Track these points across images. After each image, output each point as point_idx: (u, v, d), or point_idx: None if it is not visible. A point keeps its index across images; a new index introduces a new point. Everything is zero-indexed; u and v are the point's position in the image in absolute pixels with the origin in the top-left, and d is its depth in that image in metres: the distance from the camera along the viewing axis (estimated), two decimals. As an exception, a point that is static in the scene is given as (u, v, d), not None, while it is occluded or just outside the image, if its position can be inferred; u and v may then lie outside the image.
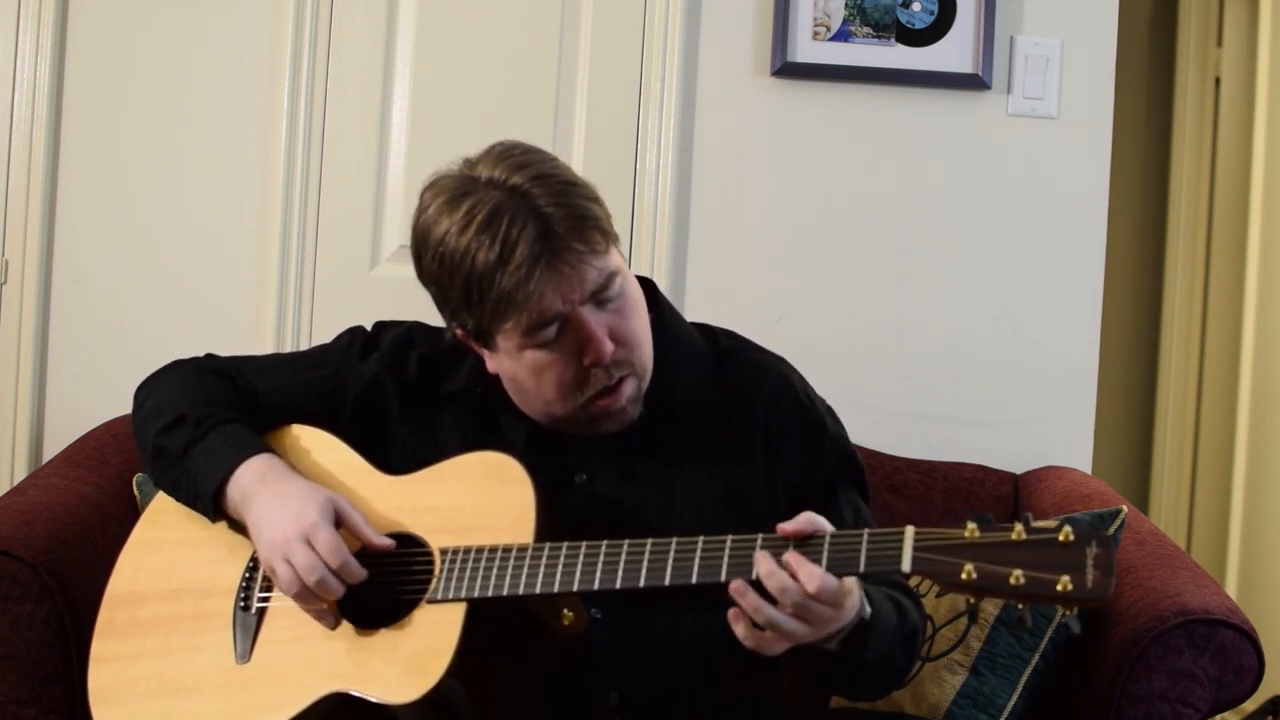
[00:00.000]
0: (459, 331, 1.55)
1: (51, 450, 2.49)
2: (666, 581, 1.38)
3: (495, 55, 2.57)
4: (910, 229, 2.55)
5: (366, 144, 2.57)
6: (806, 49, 2.52)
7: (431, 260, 1.49)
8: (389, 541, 1.52)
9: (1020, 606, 1.27)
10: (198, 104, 2.55)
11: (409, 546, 1.53)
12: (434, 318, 1.59)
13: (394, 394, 1.66)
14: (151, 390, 1.70)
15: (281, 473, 1.56)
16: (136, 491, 2.14)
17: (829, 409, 1.66)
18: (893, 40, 2.52)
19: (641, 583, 1.39)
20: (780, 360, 1.68)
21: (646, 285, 1.62)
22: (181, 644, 1.58)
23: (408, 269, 1.56)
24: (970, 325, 2.55)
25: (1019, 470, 2.47)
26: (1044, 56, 2.53)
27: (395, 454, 1.63)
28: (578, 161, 2.54)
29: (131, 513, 2.03)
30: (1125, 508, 2.02)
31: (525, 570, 1.43)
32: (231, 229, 2.56)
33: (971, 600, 1.29)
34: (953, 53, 2.51)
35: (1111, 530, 1.96)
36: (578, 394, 1.51)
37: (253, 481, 1.56)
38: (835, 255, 2.56)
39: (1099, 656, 1.78)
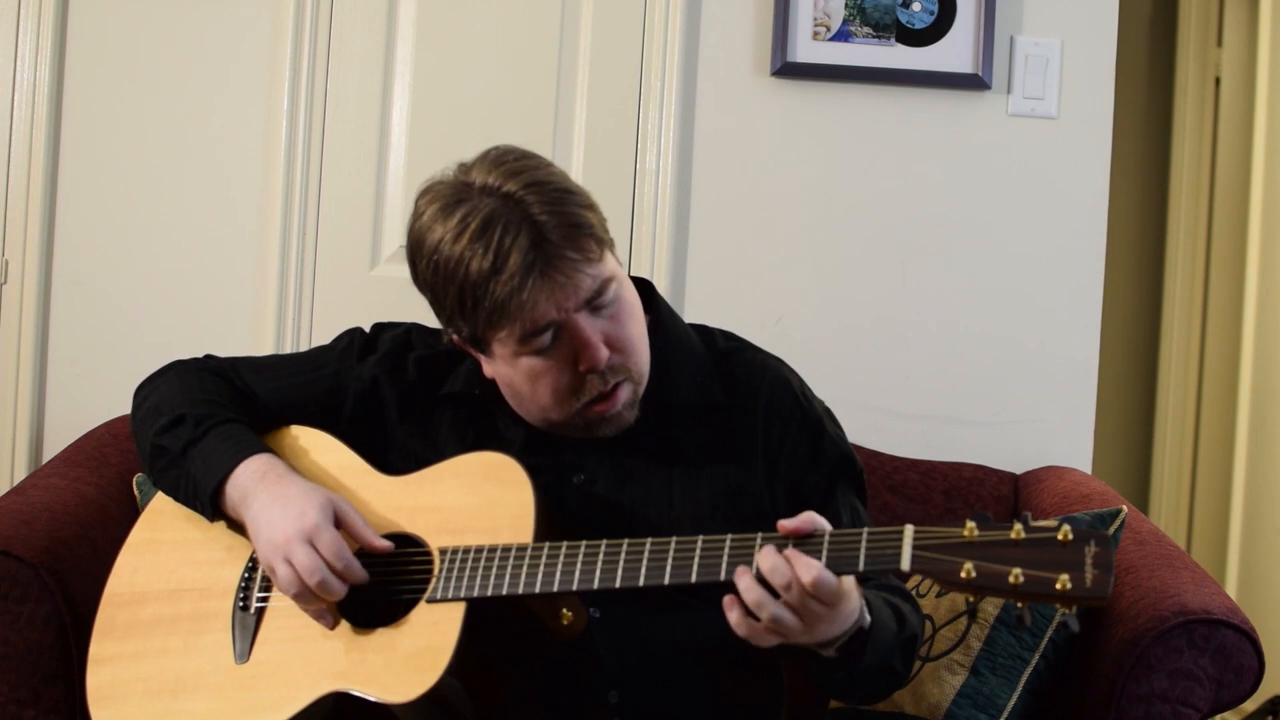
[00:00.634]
0: (455, 338, 1.55)
1: (51, 450, 2.49)
2: (666, 581, 1.38)
3: (495, 55, 2.57)
4: (910, 229, 2.55)
5: (366, 144, 2.57)
6: (806, 49, 2.52)
7: (426, 268, 1.49)
8: (387, 543, 1.52)
9: (1019, 605, 1.27)
10: (198, 104, 2.55)
11: (408, 546, 1.53)
12: (433, 319, 1.59)
13: (393, 396, 1.66)
14: (150, 390, 1.71)
15: (281, 473, 1.56)
16: (136, 491, 2.14)
17: (827, 410, 1.66)
18: (893, 40, 2.52)
19: (641, 582, 1.39)
20: (779, 361, 1.68)
21: (644, 287, 1.62)
22: (181, 644, 1.58)
23: (407, 269, 1.56)
24: (970, 325, 2.55)
25: (1019, 470, 2.47)
26: (1044, 56, 2.53)
27: (394, 455, 1.64)
28: (578, 162, 2.54)
29: (131, 513, 2.03)
30: (1125, 508, 2.02)
31: (524, 570, 1.43)
32: (231, 229, 2.56)
33: (971, 599, 1.29)
34: (953, 53, 2.51)
35: (1111, 530, 1.96)
36: (573, 400, 1.51)
37: (252, 481, 1.56)
38: (835, 255, 2.56)
39: (1099, 656, 1.78)
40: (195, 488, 1.59)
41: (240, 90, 2.55)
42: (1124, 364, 3.63)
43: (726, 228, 2.56)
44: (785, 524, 1.35)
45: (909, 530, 1.30)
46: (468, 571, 1.45)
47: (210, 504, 1.58)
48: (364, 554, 1.52)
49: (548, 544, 1.44)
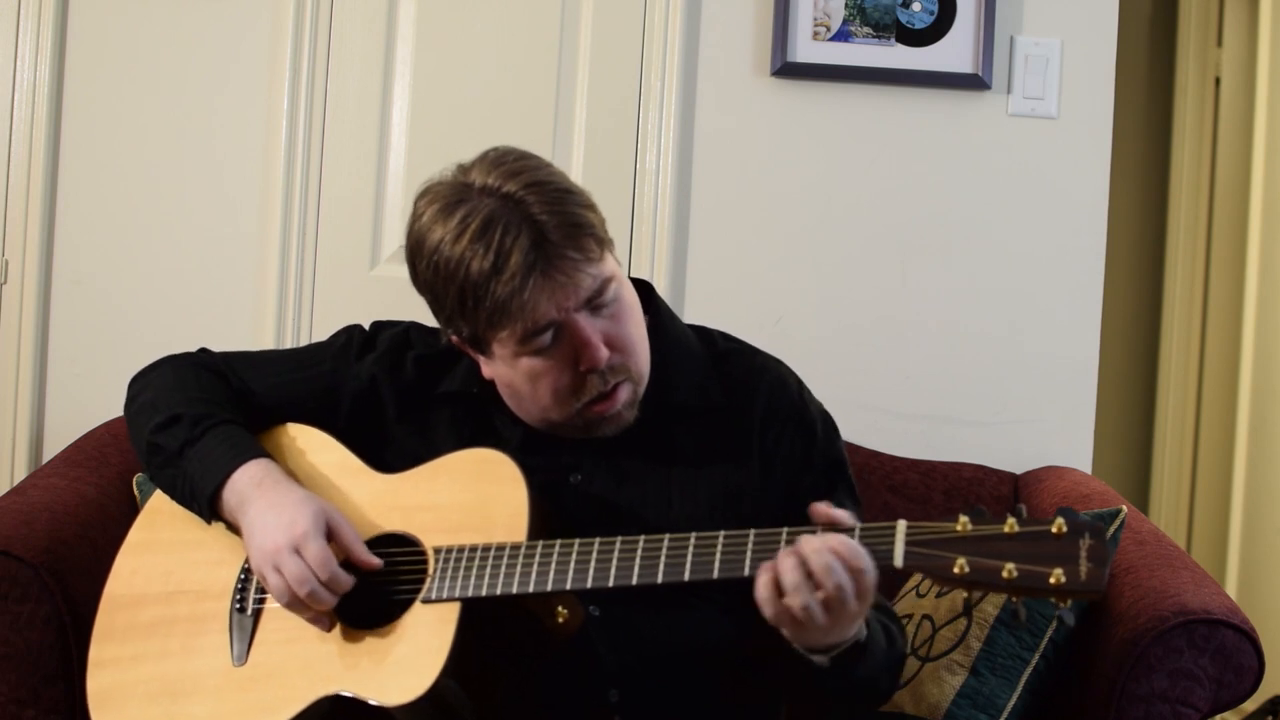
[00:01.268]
0: (454, 338, 1.55)
1: (51, 450, 2.49)
2: (660, 579, 1.38)
3: (495, 55, 2.57)
4: (910, 229, 2.55)
5: (366, 144, 2.57)
6: (806, 49, 2.52)
7: (426, 268, 1.49)
8: (376, 560, 1.51)
9: (1014, 600, 1.26)
10: (198, 104, 2.55)
11: (403, 546, 1.53)
12: (432, 319, 1.59)
13: (390, 395, 1.66)
14: (145, 384, 1.70)
15: (278, 479, 1.56)
16: (136, 491, 2.14)
17: (825, 413, 1.66)
18: (893, 40, 2.52)
19: (635, 580, 1.39)
20: (778, 363, 1.68)
21: (643, 287, 1.62)
22: (179, 646, 1.58)
23: (407, 269, 1.56)
24: (970, 325, 2.55)
25: (1019, 470, 2.47)
26: (1044, 56, 2.53)
27: (392, 454, 1.63)
28: (578, 162, 2.54)
29: (131, 513, 2.02)
30: (1125, 508, 2.01)
31: (519, 569, 1.43)
32: (231, 229, 2.56)
33: (968, 596, 1.28)
34: (953, 53, 2.51)
35: (1111, 530, 1.96)
36: (573, 400, 1.51)
37: (249, 487, 1.55)
38: (835, 255, 2.56)
39: (1099, 656, 1.78)
40: (193, 490, 1.59)
41: (240, 90, 2.55)
42: (1124, 364, 3.63)
43: (726, 228, 2.56)
44: (820, 509, 1.35)
45: (901, 525, 1.30)
46: (462, 571, 1.45)
47: (208, 508, 1.58)
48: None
49: (541, 543, 1.44)
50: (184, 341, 1.91)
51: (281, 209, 2.55)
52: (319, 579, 1.48)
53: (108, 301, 2.56)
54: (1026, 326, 2.55)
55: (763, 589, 1.33)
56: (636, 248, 2.54)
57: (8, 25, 2.52)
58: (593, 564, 1.41)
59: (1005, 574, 1.23)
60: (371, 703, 1.43)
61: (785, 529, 1.36)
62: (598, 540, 1.42)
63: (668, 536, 1.40)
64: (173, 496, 1.64)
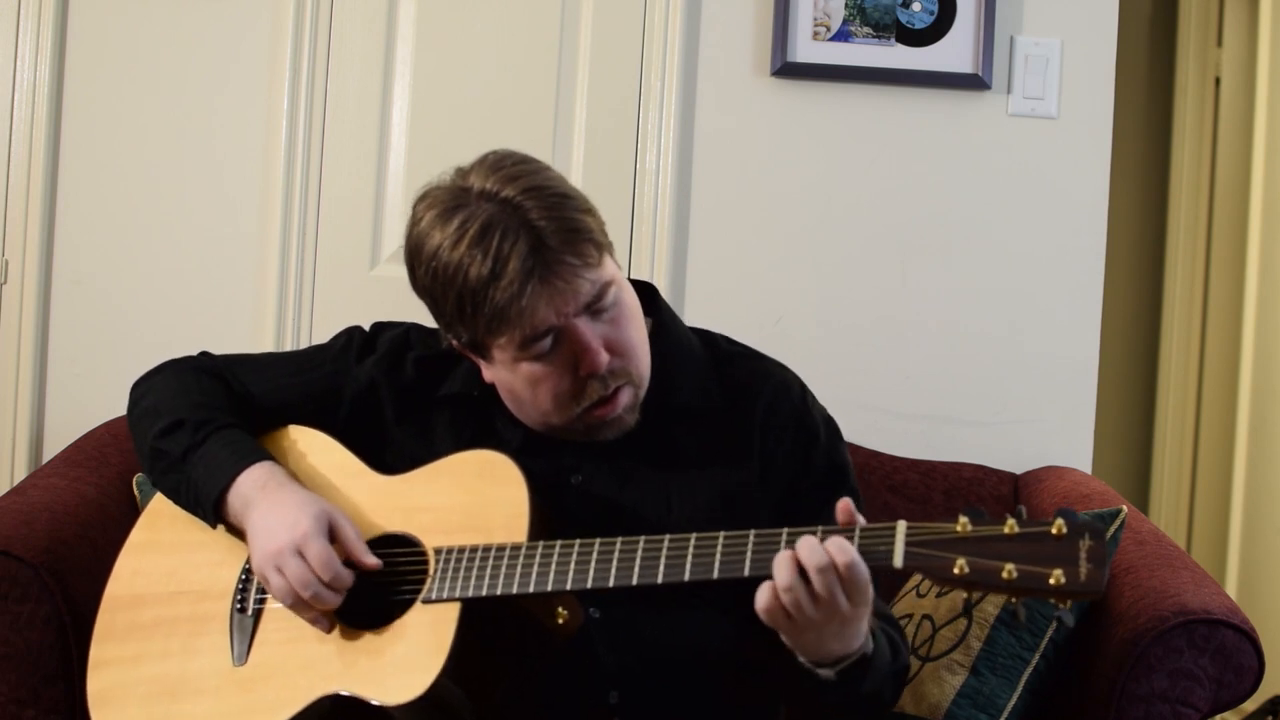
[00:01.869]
0: (454, 343, 1.55)
1: (51, 450, 2.49)
2: (660, 579, 1.38)
3: (495, 55, 2.57)
4: (910, 229, 2.55)
5: (366, 145, 2.57)
6: (806, 49, 2.52)
7: (425, 274, 1.49)
8: (377, 561, 1.51)
9: (1014, 600, 1.26)
10: (198, 104, 2.55)
11: (404, 546, 1.53)
12: (432, 319, 1.58)
13: (390, 396, 1.66)
14: (147, 389, 1.70)
15: (281, 482, 1.56)
16: (136, 492, 2.14)
17: (828, 418, 1.66)
18: (893, 40, 2.52)
19: (635, 580, 1.39)
20: (783, 368, 1.68)
21: (646, 290, 1.62)
22: (180, 647, 1.58)
23: (407, 269, 1.56)
24: (970, 325, 2.55)
25: (1019, 470, 2.47)
26: (1044, 56, 2.53)
27: (392, 456, 1.63)
28: (578, 162, 2.54)
29: (131, 513, 2.02)
30: (1125, 508, 2.02)
31: (519, 569, 1.43)
32: (231, 229, 2.56)
33: (968, 596, 1.28)
34: (953, 53, 2.51)
35: (1111, 531, 1.96)
36: (574, 405, 1.51)
37: (252, 490, 1.56)
38: (835, 255, 2.56)
39: (1099, 656, 1.78)
40: (197, 495, 1.59)
41: (240, 90, 2.55)
42: (1124, 364, 3.63)
43: (726, 228, 2.56)
44: (845, 505, 1.35)
45: (901, 526, 1.30)
46: (463, 571, 1.45)
47: (213, 512, 1.58)
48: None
49: (541, 543, 1.44)
50: (184, 341, 1.91)
51: (281, 209, 2.55)
52: (321, 579, 1.48)
53: (108, 301, 2.56)
54: (1026, 326, 2.55)
55: (761, 592, 1.33)
56: (636, 248, 2.54)
57: (8, 25, 2.52)
58: (593, 564, 1.41)
59: (1005, 575, 1.23)
60: (371, 702, 1.43)
61: (785, 529, 1.35)
62: (598, 541, 1.42)
63: (668, 537, 1.40)
64: (176, 502, 1.64)
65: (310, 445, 1.65)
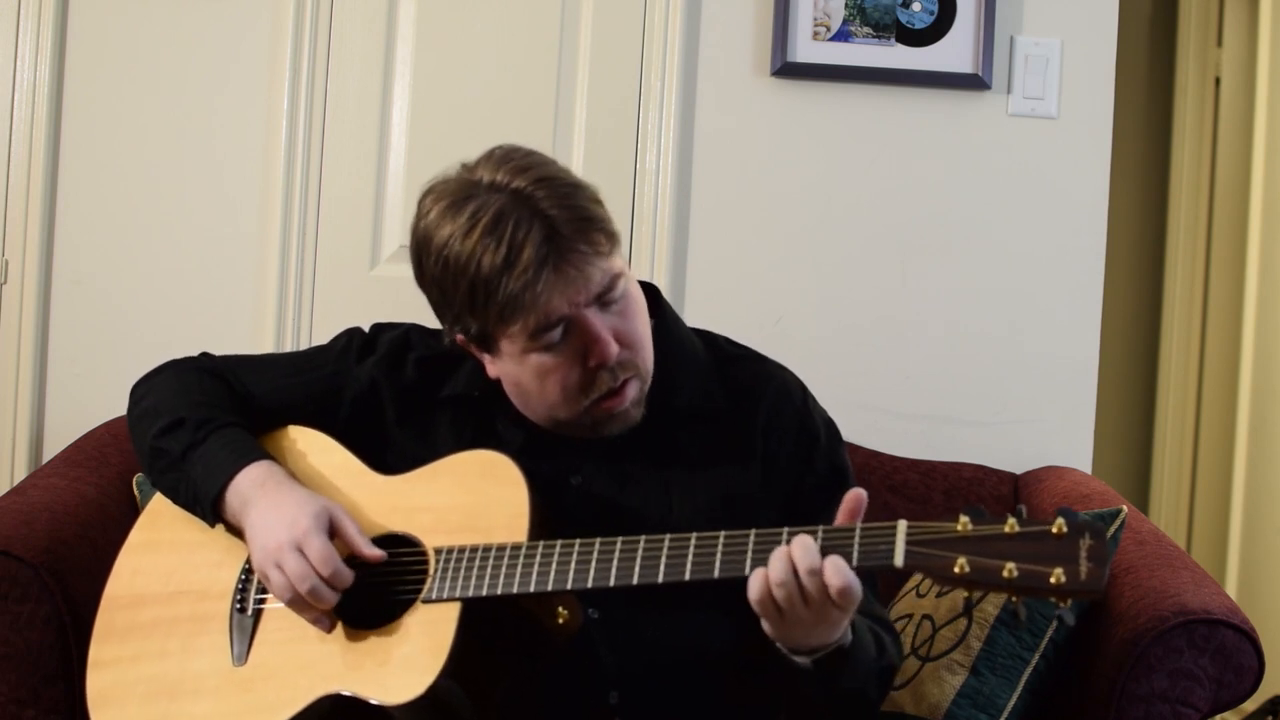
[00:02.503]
0: (459, 337, 1.55)
1: (51, 450, 2.49)
2: (660, 579, 1.38)
3: (495, 55, 2.57)
4: (910, 229, 2.55)
5: (366, 144, 2.57)
6: (806, 49, 2.52)
7: (435, 265, 1.49)
8: (380, 552, 1.51)
9: (1014, 600, 1.26)
10: (198, 104, 2.55)
11: (404, 546, 1.53)
12: (432, 319, 1.59)
13: (391, 397, 1.66)
14: (148, 390, 1.70)
15: (281, 480, 1.56)
16: (136, 491, 2.14)
17: (829, 421, 1.66)
18: (893, 40, 2.52)
19: (635, 580, 1.39)
20: (784, 370, 1.68)
21: (649, 291, 1.62)
22: (179, 647, 1.58)
23: (408, 269, 1.55)
24: (970, 325, 2.55)
25: (1019, 470, 2.47)
26: (1044, 56, 2.53)
27: (392, 456, 1.63)
28: (578, 161, 2.54)
29: (131, 513, 2.02)
30: (1125, 508, 2.02)
31: (519, 569, 1.43)
32: (231, 229, 2.56)
33: (968, 596, 1.28)
34: (953, 53, 2.51)
35: (1111, 531, 1.96)
36: (582, 397, 1.51)
37: (252, 489, 1.56)
38: (835, 255, 2.56)
39: (1099, 656, 1.78)
40: (196, 493, 1.59)
41: (240, 90, 2.55)
42: (1124, 364, 3.63)
43: (726, 228, 2.56)
44: (855, 494, 1.36)
45: (902, 525, 1.30)
46: (463, 571, 1.45)
47: (211, 510, 1.58)
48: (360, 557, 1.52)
49: (542, 543, 1.44)
50: (184, 341, 1.91)
51: (281, 209, 2.55)
52: (320, 576, 1.48)
53: (108, 301, 2.56)
54: (1026, 326, 2.55)
55: (754, 580, 1.34)
56: (636, 248, 2.54)
57: (8, 25, 2.52)
58: (593, 564, 1.41)
59: (1005, 574, 1.23)
60: (371, 702, 1.43)
61: (786, 529, 1.36)
62: (598, 540, 1.42)
63: (668, 537, 1.40)
64: (176, 501, 1.64)
65: (310, 445, 1.65)
